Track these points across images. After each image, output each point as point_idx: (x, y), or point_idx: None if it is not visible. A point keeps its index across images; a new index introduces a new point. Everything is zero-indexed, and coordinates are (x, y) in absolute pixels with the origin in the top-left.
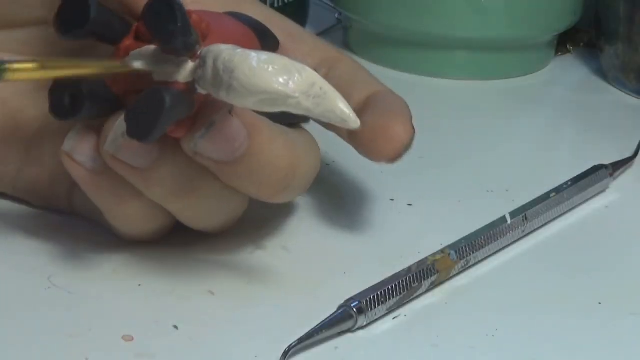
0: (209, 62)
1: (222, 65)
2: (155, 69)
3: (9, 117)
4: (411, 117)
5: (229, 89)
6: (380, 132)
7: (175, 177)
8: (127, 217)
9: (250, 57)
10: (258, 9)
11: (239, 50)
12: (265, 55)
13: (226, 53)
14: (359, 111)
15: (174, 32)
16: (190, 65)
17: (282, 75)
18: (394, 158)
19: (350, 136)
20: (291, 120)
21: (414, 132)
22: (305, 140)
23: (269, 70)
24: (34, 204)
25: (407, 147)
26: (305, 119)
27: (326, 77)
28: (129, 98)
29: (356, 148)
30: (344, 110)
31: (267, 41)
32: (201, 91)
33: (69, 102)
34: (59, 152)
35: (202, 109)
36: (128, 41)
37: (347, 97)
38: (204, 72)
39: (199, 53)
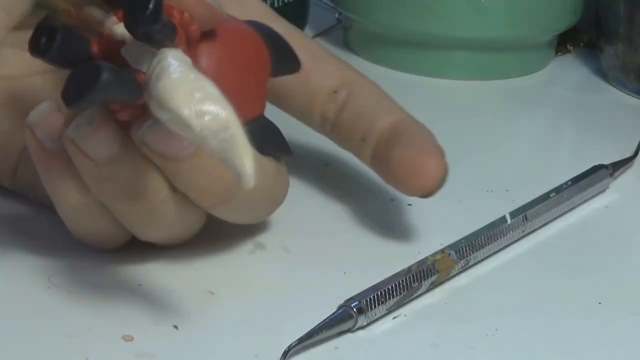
0: (154, 62)
1: (158, 70)
2: (131, 48)
3: (24, 111)
4: (443, 151)
5: (150, 94)
6: (413, 169)
7: (128, 179)
8: (71, 208)
9: (181, 73)
10: (281, 25)
11: (182, 65)
12: (200, 81)
13: (169, 60)
14: (387, 142)
15: (137, 18)
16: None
17: (199, 105)
18: (428, 194)
19: (377, 166)
20: (271, 151)
21: (447, 167)
22: (270, 167)
23: (191, 94)
24: (33, 198)
25: (442, 183)
26: (288, 152)
27: (347, 100)
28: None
29: (385, 179)
30: (243, 165)
31: (283, 58)
32: None
33: (44, 40)
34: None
35: None
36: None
37: (371, 125)
38: (149, 69)
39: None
